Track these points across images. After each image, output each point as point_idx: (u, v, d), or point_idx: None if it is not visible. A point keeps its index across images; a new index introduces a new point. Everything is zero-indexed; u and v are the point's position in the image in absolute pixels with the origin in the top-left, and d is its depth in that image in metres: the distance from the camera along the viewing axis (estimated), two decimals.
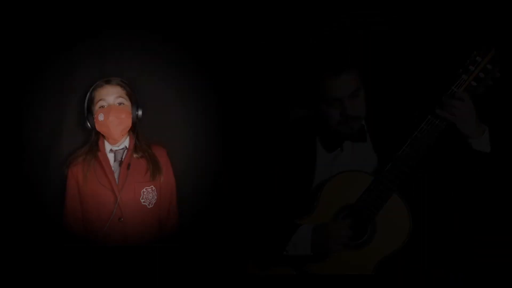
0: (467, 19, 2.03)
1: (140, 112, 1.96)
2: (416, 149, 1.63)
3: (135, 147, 1.96)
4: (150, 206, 1.94)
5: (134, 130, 1.97)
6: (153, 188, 1.95)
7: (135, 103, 1.96)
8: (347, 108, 1.66)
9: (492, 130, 1.63)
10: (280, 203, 1.77)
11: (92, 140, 1.96)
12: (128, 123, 1.93)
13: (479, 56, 1.59)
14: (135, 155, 1.96)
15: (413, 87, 2.14)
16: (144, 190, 1.93)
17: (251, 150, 1.87)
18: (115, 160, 1.95)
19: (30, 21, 1.96)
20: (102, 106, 1.91)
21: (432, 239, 1.85)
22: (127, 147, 1.96)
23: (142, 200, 1.93)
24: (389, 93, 2.11)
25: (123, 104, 1.93)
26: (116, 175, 1.92)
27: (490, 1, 2.00)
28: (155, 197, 1.95)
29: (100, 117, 1.89)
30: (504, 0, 1.98)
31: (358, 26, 2.11)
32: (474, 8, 2.02)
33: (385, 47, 2.12)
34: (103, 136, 1.95)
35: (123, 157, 1.94)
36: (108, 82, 1.93)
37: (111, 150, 1.95)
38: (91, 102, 1.93)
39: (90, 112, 1.93)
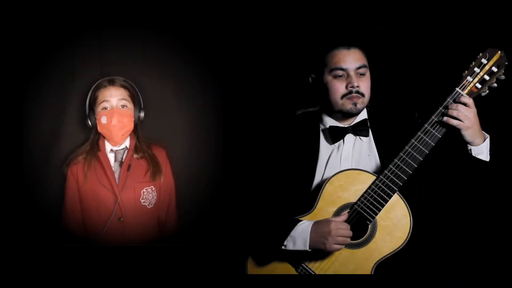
0: (471, 20, 2.03)
1: (142, 114, 1.96)
2: (418, 150, 1.62)
3: (136, 148, 1.96)
4: (150, 206, 1.94)
5: (135, 131, 1.97)
6: (153, 188, 1.95)
7: (138, 104, 1.96)
8: (353, 80, 1.69)
9: (493, 138, 1.62)
10: (281, 197, 1.76)
11: (93, 139, 1.96)
12: (130, 126, 1.93)
13: (485, 58, 1.58)
14: (135, 156, 1.95)
15: (414, 88, 2.14)
16: (144, 190, 1.93)
17: (252, 148, 1.86)
18: (115, 160, 1.95)
19: (31, 21, 1.97)
20: (105, 108, 1.90)
21: (434, 241, 1.85)
22: (128, 147, 1.96)
23: (142, 200, 1.93)
24: (390, 93, 2.11)
25: (126, 106, 1.92)
26: (116, 175, 1.92)
27: (497, 2, 2.00)
28: (155, 197, 1.95)
29: (103, 119, 1.89)
30: (511, 1, 1.97)
31: (358, 26, 2.12)
32: (480, 9, 2.01)
33: (385, 47, 2.12)
34: (103, 136, 1.95)
35: (124, 157, 1.94)
36: (111, 82, 1.92)
37: (111, 150, 1.95)
38: (94, 101, 1.92)
39: (92, 111, 1.93)
